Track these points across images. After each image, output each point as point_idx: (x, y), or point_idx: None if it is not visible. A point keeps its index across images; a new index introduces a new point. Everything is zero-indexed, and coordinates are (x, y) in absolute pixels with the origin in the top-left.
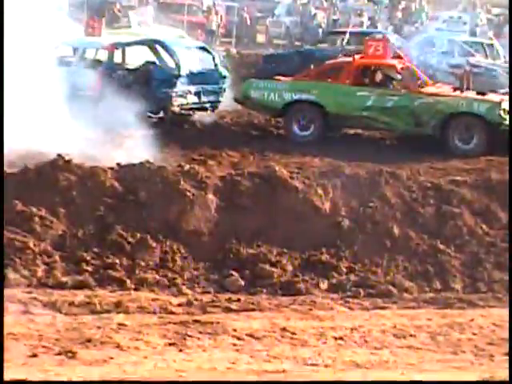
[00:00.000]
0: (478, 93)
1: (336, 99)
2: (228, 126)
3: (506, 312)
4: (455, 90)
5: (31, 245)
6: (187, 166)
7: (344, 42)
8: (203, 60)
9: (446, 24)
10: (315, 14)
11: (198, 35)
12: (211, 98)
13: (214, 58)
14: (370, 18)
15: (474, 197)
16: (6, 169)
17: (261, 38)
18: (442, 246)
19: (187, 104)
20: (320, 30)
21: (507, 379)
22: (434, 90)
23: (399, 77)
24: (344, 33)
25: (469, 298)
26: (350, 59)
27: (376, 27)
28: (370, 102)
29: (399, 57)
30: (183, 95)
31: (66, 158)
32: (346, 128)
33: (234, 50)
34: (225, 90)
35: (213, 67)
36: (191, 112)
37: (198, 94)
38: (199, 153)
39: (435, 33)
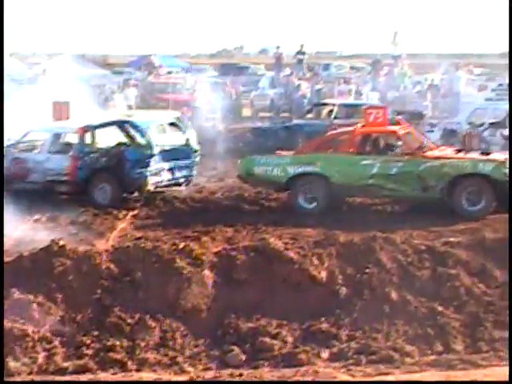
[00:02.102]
0: (482, 153)
1: (340, 169)
2: (219, 200)
3: (507, 370)
4: (458, 151)
5: (30, 332)
6: (182, 244)
7: (332, 116)
8: (175, 136)
9: (495, 93)
10: (299, 85)
11: (184, 112)
12: (184, 173)
13: (184, 133)
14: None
15: (469, 257)
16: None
17: (246, 112)
18: (440, 308)
19: (162, 182)
20: (305, 100)
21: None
22: (438, 153)
23: (400, 143)
24: (330, 104)
25: (471, 359)
26: (351, 128)
27: (361, 94)
28: (374, 169)
29: (398, 123)
30: (157, 173)
31: (60, 243)
32: (352, 198)
33: (220, 125)
34: (196, 163)
35: (184, 142)
36: (166, 189)
37: (171, 170)
38: (192, 229)
39: (485, 103)
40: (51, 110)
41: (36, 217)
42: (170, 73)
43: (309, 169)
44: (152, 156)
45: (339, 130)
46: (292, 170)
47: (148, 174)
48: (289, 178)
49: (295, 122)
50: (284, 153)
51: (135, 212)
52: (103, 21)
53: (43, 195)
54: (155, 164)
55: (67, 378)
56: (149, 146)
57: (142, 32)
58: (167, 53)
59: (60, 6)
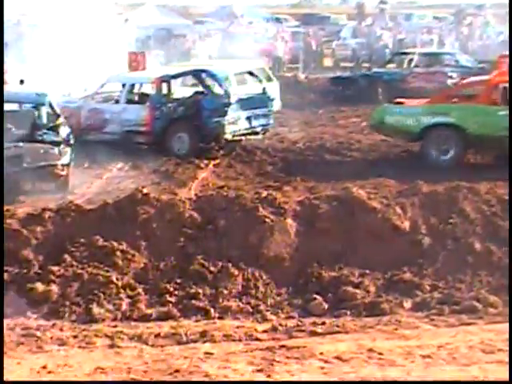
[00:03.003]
0: None
1: (477, 120)
2: (301, 150)
3: None
4: None
5: (114, 279)
6: (264, 193)
7: (412, 64)
8: (251, 84)
9: None
10: (381, 35)
11: (264, 62)
12: (262, 122)
13: (260, 81)
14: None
15: None
16: (85, 205)
17: (328, 62)
18: None
19: (239, 130)
20: (387, 51)
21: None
22: None
23: None
24: (411, 53)
25: None
26: (486, 77)
27: (443, 44)
28: None
29: None
30: (234, 122)
31: (144, 191)
32: (488, 150)
33: (301, 75)
34: (273, 112)
35: (261, 90)
36: (243, 137)
37: (248, 119)
38: (274, 179)
39: None
40: (127, 60)
41: (119, 165)
42: (251, 23)
43: (444, 119)
44: (229, 105)
45: (472, 79)
46: (426, 121)
47: (225, 122)
48: (422, 129)
49: (374, 70)
50: (410, 101)
51: (217, 161)
52: None
53: (126, 145)
54: (232, 113)
55: (150, 324)
56: (226, 94)
57: None
58: (248, 3)
59: None
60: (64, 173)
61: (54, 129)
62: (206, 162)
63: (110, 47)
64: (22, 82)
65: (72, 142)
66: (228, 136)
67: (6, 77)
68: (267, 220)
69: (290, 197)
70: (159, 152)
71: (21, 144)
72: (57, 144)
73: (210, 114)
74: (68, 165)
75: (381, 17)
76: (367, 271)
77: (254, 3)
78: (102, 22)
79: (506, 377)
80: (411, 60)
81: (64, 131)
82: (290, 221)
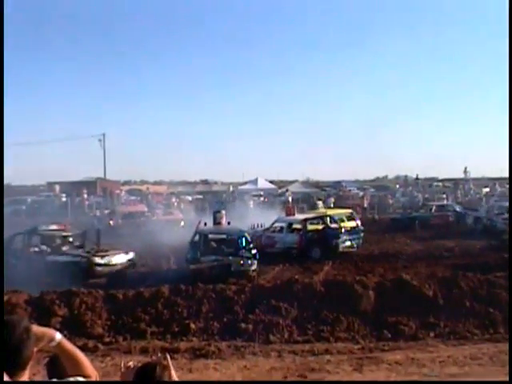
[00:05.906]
0: None
1: None
2: (375, 255)
3: None
4: None
5: (280, 321)
6: (358, 277)
7: (432, 209)
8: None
9: None
10: (417, 195)
11: (357, 211)
12: (357, 241)
13: (357, 220)
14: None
15: None
16: (265, 284)
17: (390, 209)
18: None
19: (347, 246)
20: (420, 203)
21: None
22: None
23: None
24: (431, 204)
25: None
26: None
27: (448, 200)
28: None
29: None
30: (344, 241)
31: (296, 277)
32: None
33: (376, 216)
34: (363, 237)
35: (356, 225)
36: (347, 250)
37: (350, 240)
38: (363, 270)
39: None
40: (285, 210)
41: (281, 264)
42: (350, 190)
43: None
44: (341, 232)
45: None
46: None
47: (339, 242)
48: None
49: (414, 214)
50: None
51: (333, 261)
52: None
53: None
54: (343, 236)
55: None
56: (340, 228)
57: (338, 163)
58: (349, 179)
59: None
60: (254, 274)
61: (248, 249)
62: (327, 261)
63: (276, 205)
64: (229, 223)
65: (257, 257)
66: (341, 249)
67: (222, 220)
68: (359, 292)
69: (371, 279)
70: (304, 257)
71: (230, 257)
72: (250, 258)
73: (331, 238)
74: (255, 270)
75: (416, 186)
76: (410, 317)
77: (352, 179)
78: (272, 192)
79: None
80: (431, 207)
81: (254, 251)
82: (371, 292)
